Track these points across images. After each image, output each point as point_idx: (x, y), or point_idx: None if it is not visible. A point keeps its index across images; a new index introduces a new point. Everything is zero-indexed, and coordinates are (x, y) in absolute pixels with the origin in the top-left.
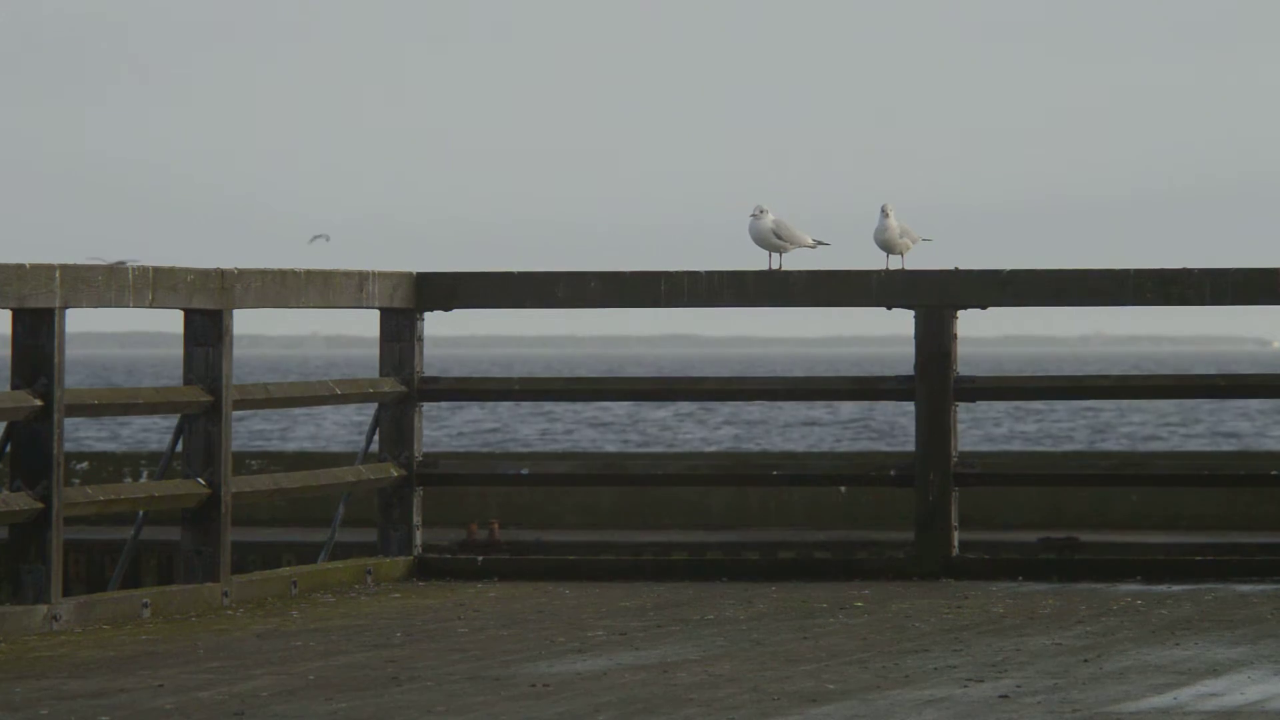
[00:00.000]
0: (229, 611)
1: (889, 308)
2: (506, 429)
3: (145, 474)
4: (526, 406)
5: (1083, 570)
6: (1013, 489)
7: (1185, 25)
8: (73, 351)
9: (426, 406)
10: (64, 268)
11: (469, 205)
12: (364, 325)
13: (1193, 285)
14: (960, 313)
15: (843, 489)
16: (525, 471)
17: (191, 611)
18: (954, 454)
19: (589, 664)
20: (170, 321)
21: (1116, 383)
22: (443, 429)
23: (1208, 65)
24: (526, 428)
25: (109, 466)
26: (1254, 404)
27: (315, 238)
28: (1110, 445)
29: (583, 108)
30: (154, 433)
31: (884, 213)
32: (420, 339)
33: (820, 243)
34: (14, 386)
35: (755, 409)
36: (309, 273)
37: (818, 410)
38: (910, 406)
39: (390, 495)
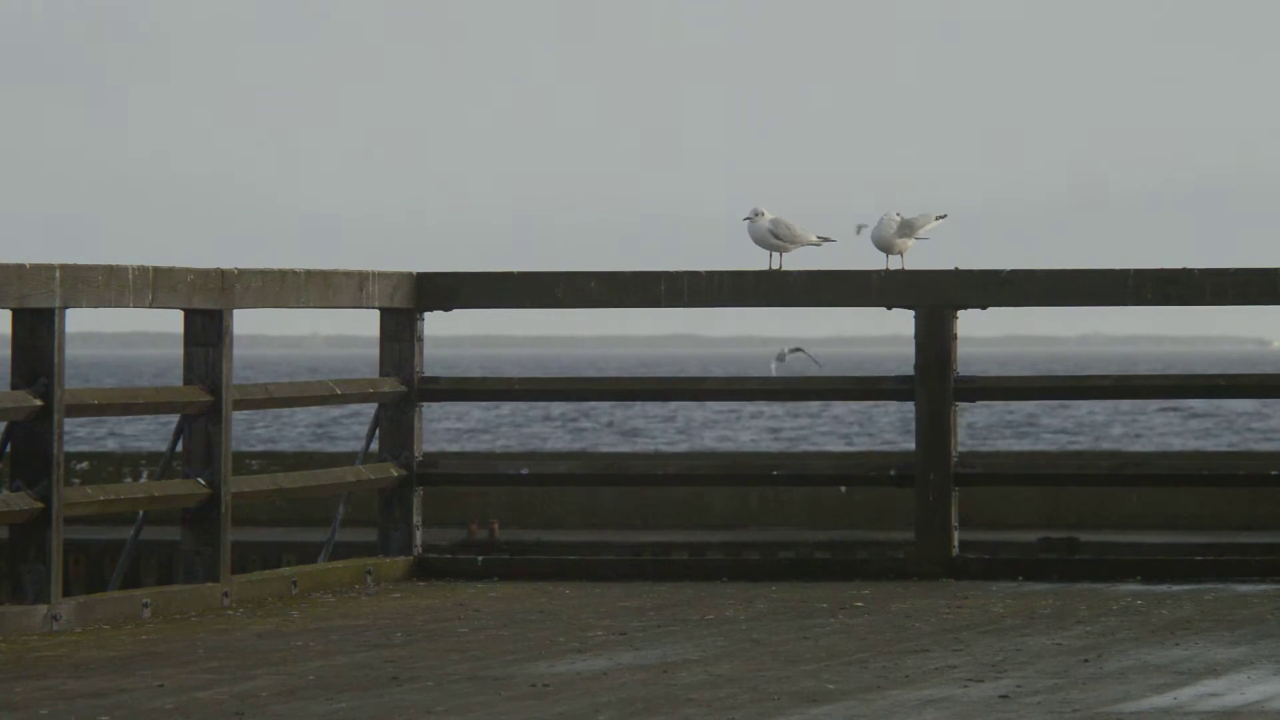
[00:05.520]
0: (229, 611)
1: (889, 308)
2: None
3: (145, 474)
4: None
5: (1083, 570)
6: (1013, 489)
7: (1186, 24)
8: (73, 351)
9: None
10: (64, 268)
11: (469, 205)
12: (364, 325)
13: (1193, 285)
14: (960, 313)
15: (843, 489)
16: (525, 471)
17: (191, 611)
18: (954, 454)
19: (589, 664)
20: (170, 321)
21: (1116, 383)
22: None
23: (1209, 64)
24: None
25: (109, 466)
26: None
27: (860, 227)
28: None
29: (581, 107)
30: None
31: (890, 218)
32: (420, 339)
33: (825, 239)
34: (14, 386)
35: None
36: (309, 273)
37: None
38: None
39: (390, 495)
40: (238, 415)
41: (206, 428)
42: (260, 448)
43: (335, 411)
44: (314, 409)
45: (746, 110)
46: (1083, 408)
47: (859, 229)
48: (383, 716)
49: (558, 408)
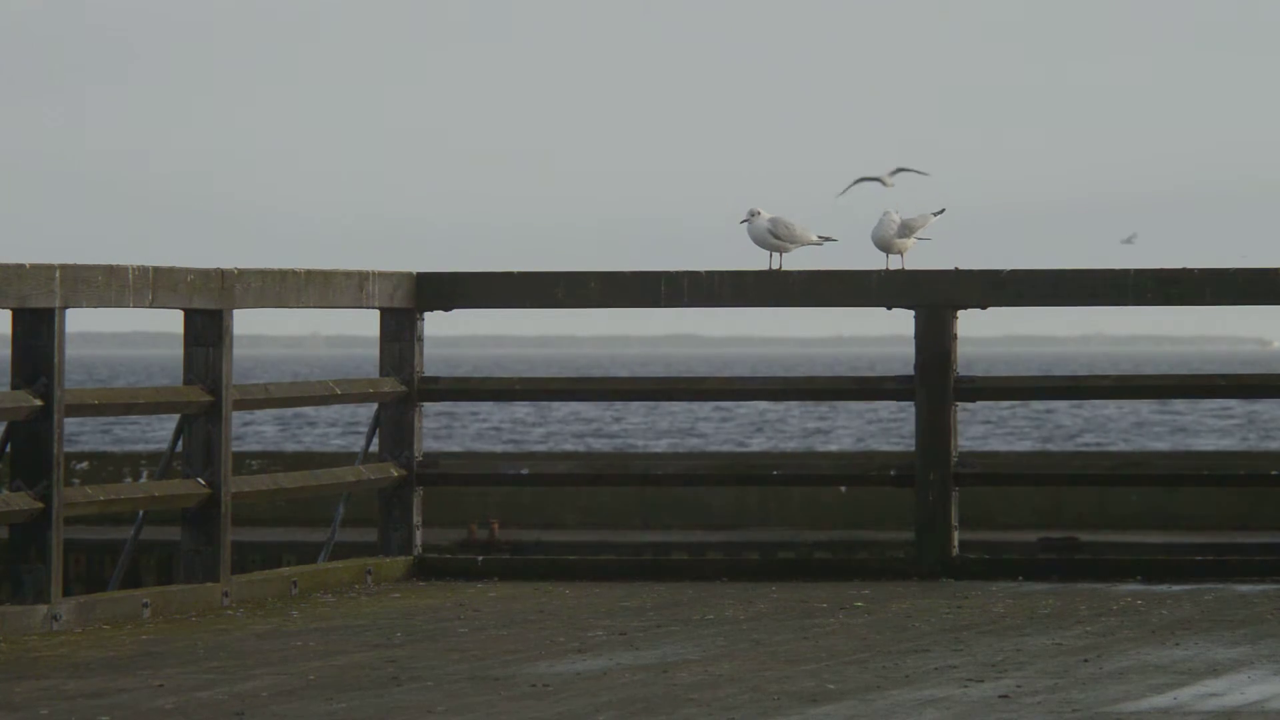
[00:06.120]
0: (229, 611)
1: (889, 308)
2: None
3: (145, 474)
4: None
5: (1083, 570)
6: (1013, 489)
7: (1186, 24)
8: (73, 351)
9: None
10: (64, 268)
11: (469, 205)
12: (364, 325)
13: (1193, 285)
14: (960, 313)
15: (843, 489)
16: (525, 471)
17: (191, 611)
18: (954, 454)
19: (589, 664)
20: (170, 321)
21: (1116, 383)
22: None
23: (1209, 64)
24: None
25: (109, 466)
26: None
27: (1128, 239)
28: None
29: (580, 107)
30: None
31: (885, 214)
32: (420, 339)
33: (826, 239)
34: (14, 386)
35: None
36: (309, 273)
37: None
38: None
39: (390, 495)
40: (261, 415)
41: (206, 428)
42: (279, 448)
43: (364, 412)
44: (343, 408)
45: (746, 111)
46: (1108, 406)
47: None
48: (383, 716)
49: (585, 413)
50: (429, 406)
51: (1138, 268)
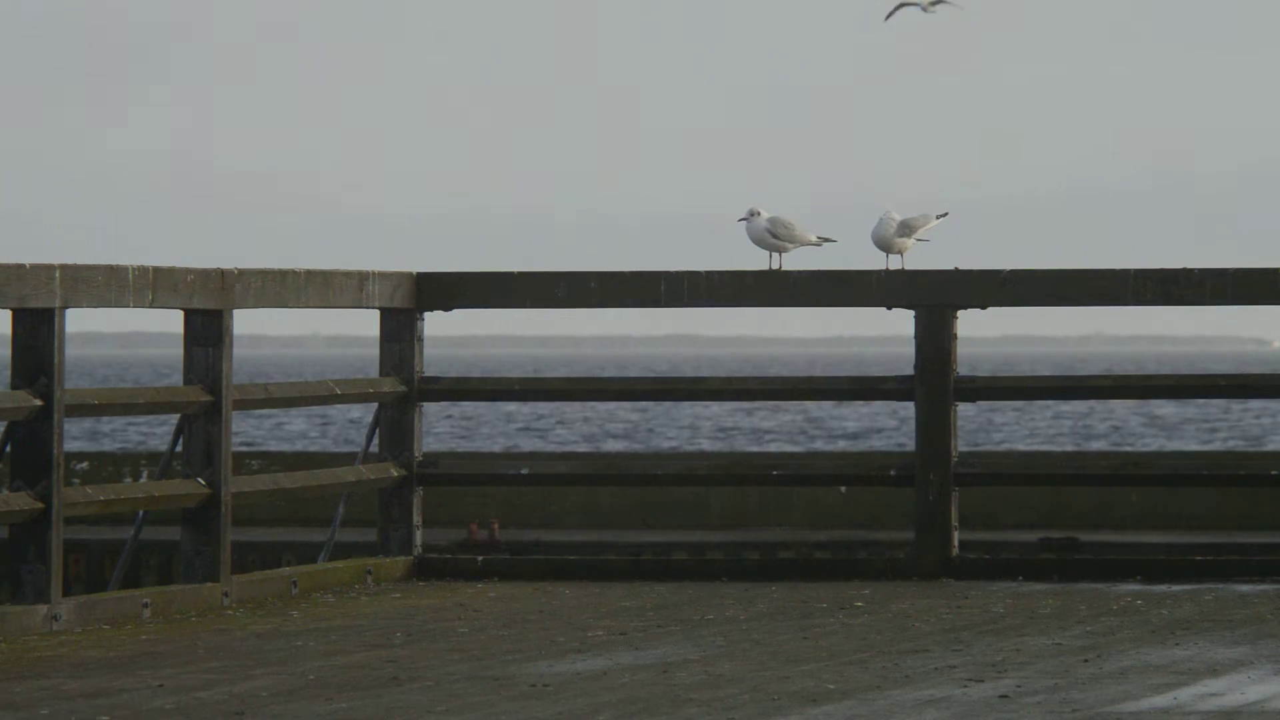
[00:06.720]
0: (229, 611)
1: (889, 308)
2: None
3: (145, 474)
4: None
5: (1083, 570)
6: (1013, 489)
7: (1184, 20)
8: (73, 351)
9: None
10: (64, 268)
11: (469, 205)
12: (364, 325)
13: (1193, 285)
14: (960, 313)
15: (843, 489)
16: (525, 471)
17: (191, 611)
18: (954, 454)
19: (589, 664)
20: (170, 321)
21: (1116, 383)
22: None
23: (1207, 61)
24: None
25: (109, 466)
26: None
27: None
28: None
29: (580, 107)
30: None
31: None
32: (420, 339)
33: (825, 239)
34: (14, 386)
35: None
36: (309, 273)
37: None
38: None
39: (390, 495)
40: (285, 414)
41: (206, 428)
42: (289, 446)
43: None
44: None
45: (746, 110)
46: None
47: None
48: (383, 716)
49: (607, 415)
50: (452, 407)
51: (1138, 268)
